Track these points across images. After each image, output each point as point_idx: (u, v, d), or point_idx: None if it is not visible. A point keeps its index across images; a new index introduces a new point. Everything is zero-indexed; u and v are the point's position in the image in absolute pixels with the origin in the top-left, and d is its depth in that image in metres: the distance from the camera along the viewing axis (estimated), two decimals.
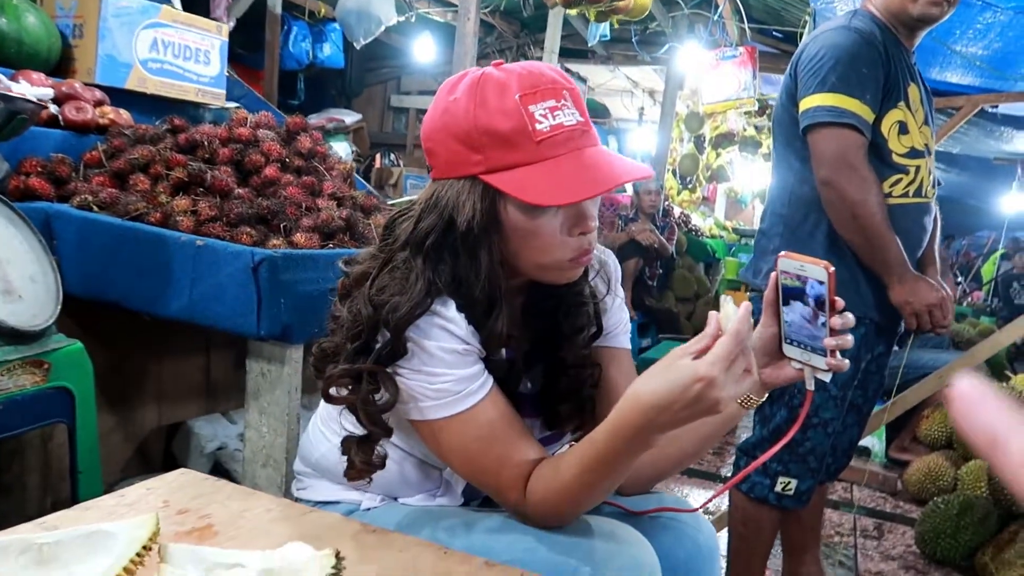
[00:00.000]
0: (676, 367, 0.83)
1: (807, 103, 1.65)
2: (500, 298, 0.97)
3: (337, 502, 1.13)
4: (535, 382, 1.12)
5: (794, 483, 1.80)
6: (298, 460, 1.21)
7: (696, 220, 7.28)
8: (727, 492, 2.10)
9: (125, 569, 0.73)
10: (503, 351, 1.01)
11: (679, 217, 6.58)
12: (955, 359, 2.90)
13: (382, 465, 1.01)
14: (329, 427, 1.14)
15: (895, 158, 1.69)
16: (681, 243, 5.94)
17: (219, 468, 1.91)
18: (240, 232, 1.54)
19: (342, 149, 2.34)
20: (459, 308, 0.96)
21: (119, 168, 1.71)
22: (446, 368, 0.95)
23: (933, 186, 1.78)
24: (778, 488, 1.80)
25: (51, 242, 1.43)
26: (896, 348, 1.93)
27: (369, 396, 0.95)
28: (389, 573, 0.89)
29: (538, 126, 0.91)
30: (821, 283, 0.87)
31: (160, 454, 1.97)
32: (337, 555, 0.75)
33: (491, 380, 0.99)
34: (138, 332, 1.84)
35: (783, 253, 0.91)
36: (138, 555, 0.74)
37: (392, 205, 2.08)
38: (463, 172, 0.94)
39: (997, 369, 3.59)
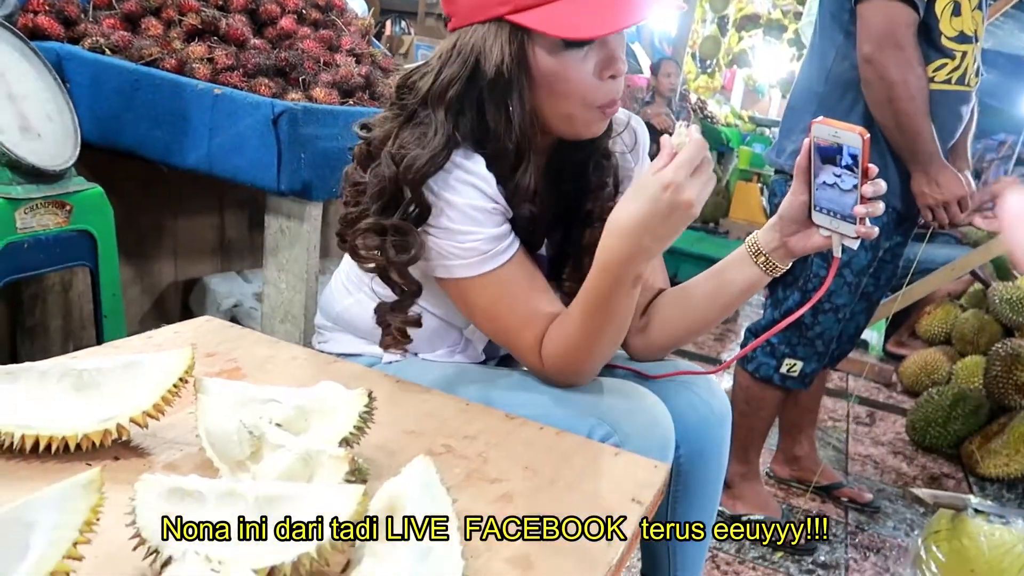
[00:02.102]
0: (643, 186, 0.85)
1: None
2: (529, 150, 0.96)
3: (359, 355, 1.14)
4: (552, 245, 1.11)
5: (799, 365, 1.83)
6: (319, 314, 1.22)
7: (712, 107, 7.09)
8: (732, 371, 2.14)
9: (163, 398, 0.74)
10: (526, 208, 1.00)
11: (695, 103, 6.40)
12: (966, 253, 2.89)
13: (418, 324, 1.02)
14: (352, 281, 1.14)
15: (944, 41, 1.61)
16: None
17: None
18: (258, 83, 1.49)
19: (358, 6, 2.24)
20: (488, 164, 0.95)
21: (130, 11, 1.64)
22: (475, 226, 0.94)
23: (976, 75, 1.72)
24: (783, 369, 1.84)
25: (64, 85, 1.39)
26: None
27: (395, 250, 0.94)
28: (414, 419, 0.92)
29: None
30: (855, 150, 0.86)
31: (177, 309, 2.00)
32: (370, 395, 0.77)
33: (518, 241, 0.98)
34: (152, 187, 1.82)
35: (818, 119, 0.90)
36: (175, 386, 0.75)
37: (400, 71, 2.01)
38: (488, 15, 0.90)
39: (1003, 270, 3.59)
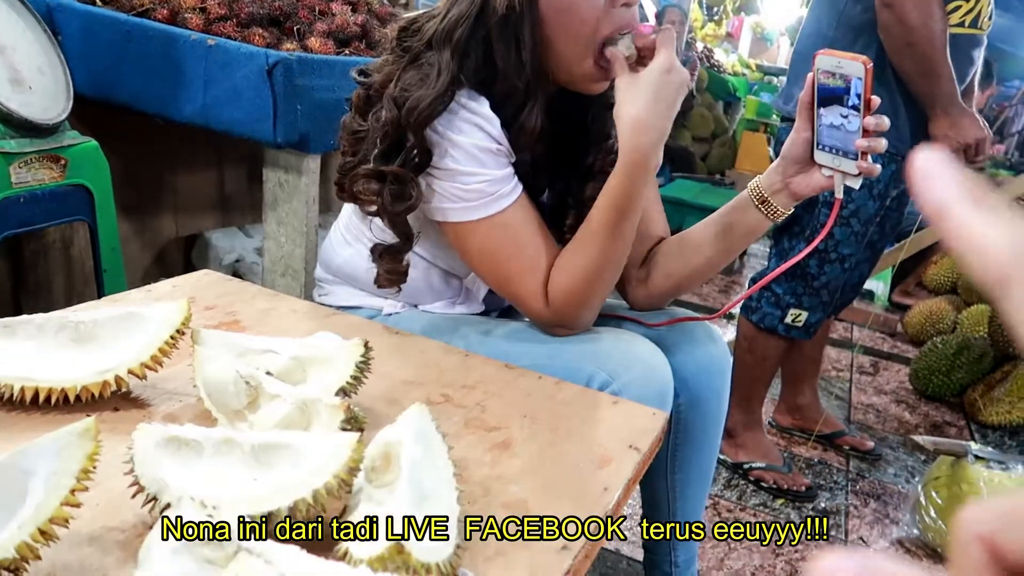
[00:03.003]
0: (641, 79, 0.90)
1: None
2: (537, 89, 0.95)
3: (359, 307, 1.14)
4: (553, 194, 1.11)
5: (804, 315, 1.83)
6: (319, 267, 1.21)
7: (719, 56, 6.96)
8: (736, 322, 2.14)
9: (160, 350, 0.74)
10: (528, 153, 1.00)
11: (702, 52, 6.28)
12: None
13: (405, 274, 1.02)
14: (351, 232, 1.14)
15: None
16: (702, 79, 5.71)
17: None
18: (252, 33, 1.46)
19: None
20: (493, 107, 0.94)
21: None
22: (480, 167, 0.94)
23: (989, 18, 1.67)
24: (788, 319, 1.83)
25: (56, 37, 1.36)
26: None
27: (392, 198, 0.94)
28: (413, 369, 0.92)
29: None
30: (859, 83, 0.85)
31: (179, 264, 2.00)
32: (366, 345, 0.77)
33: (521, 185, 0.98)
34: (149, 143, 1.81)
35: (821, 51, 0.88)
36: (172, 337, 0.76)
37: (402, 17, 1.97)
38: None
39: None
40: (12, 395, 0.69)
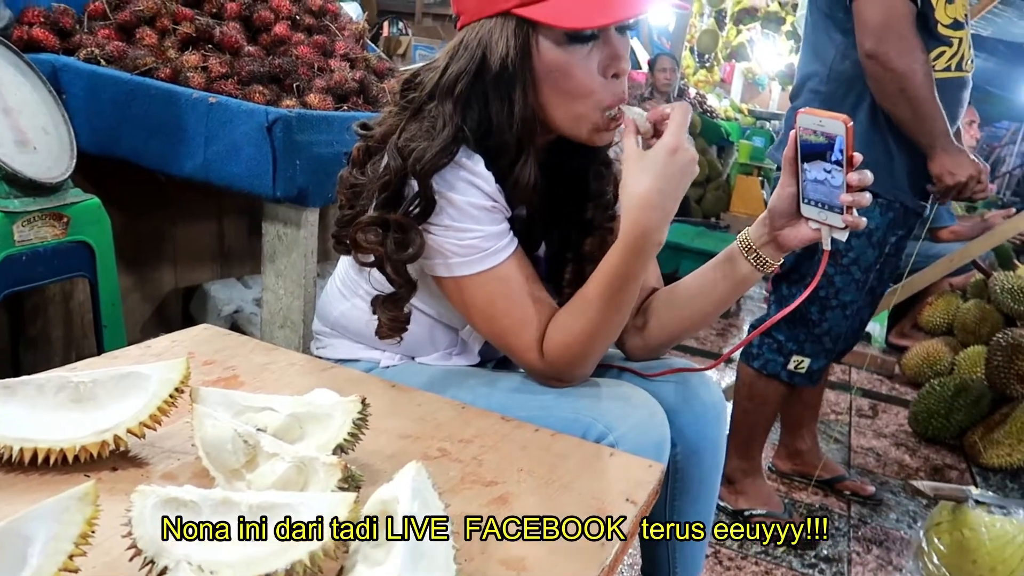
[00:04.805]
0: (648, 158, 0.90)
1: None
2: (529, 144, 0.97)
3: (356, 360, 1.15)
4: (550, 247, 1.12)
5: (807, 362, 1.83)
6: (316, 320, 1.22)
7: (712, 101, 7.08)
8: (735, 368, 2.14)
9: (159, 409, 0.75)
10: (522, 208, 1.01)
11: (694, 97, 6.40)
12: (967, 244, 2.89)
13: (407, 322, 1.02)
14: (347, 286, 1.15)
15: (940, 29, 1.62)
16: (695, 124, 5.80)
17: (236, 330, 1.95)
18: (252, 91, 1.50)
19: (352, 10, 2.25)
20: (487, 163, 0.96)
21: (124, 21, 1.65)
22: (475, 224, 0.95)
23: (971, 61, 1.72)
24: (791, 366, 1.83)
25: (60, 96, 1.40)
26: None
27: (396, 246, 0.95)
28: (411, 423, 0.92)
29: None
30: (840, 138, 0.87)
31: (178, 316, 2.01)
32: (363, 401, 0.77)
33: (516, 240, 0.99)
34: (150, 196, 1.83)
35: (803, 109, 0.91)
36: (171, 396, 0.76)
37: (404, 71, 2.02)
38: (494, 9, 0.93)
39: (1005, 259, 3.58)
40: (11, 456, 0.70)
